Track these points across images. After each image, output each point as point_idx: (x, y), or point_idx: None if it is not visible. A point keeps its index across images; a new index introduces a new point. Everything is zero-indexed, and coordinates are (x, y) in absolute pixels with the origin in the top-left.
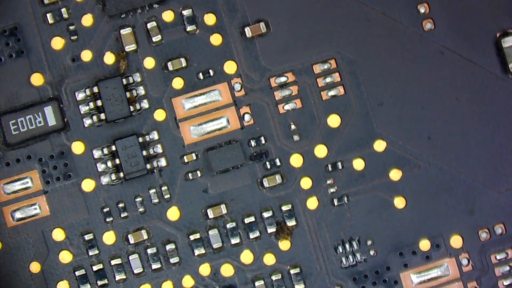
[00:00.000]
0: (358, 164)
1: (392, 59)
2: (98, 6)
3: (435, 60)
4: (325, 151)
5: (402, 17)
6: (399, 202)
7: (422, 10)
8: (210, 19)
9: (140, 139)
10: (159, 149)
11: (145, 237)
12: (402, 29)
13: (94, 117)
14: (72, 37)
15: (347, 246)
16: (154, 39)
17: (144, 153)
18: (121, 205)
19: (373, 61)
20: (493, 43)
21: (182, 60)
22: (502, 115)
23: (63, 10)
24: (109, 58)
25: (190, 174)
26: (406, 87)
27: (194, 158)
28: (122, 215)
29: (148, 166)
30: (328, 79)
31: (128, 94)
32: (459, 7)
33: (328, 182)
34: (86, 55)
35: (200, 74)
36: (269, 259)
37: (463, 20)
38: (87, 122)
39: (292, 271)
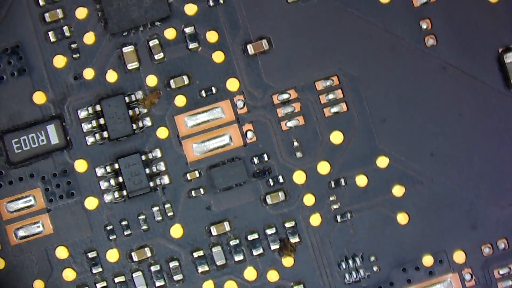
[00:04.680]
0: (361, 180)
1: (394, 75)
2: (100, 24)
3: (437, 76)
4: (328, 167)
5: (404, 33)
6: (402, 218)
7: (424, 26)
8: (212, 36)
9: (143, 157)
10: (162, 166)
11: (149, 254)
12: (404, 45)
13: (97, 135)
14: (74, 55)
15: (350, 262)
16: (156, 57)
17: (147, 171)
18: (124, 222)
19: (376, 77)
20: (495, 58)
21: (185, 77)
22: (504, 131)
23: (65, 28)
24: (112, 76)
25: (193, 192)
26: (409, 103)
27: (197, 175)
28: (126, 233)
29: (151, 184)
30: (331, 96)
31: (130, 112)
32: (461, 23)
33: (331, 198)
34: (89, 73)
35: (203, 91)
36: (273, 275)
37: (465, 35)
38: (90, 140)
39: None
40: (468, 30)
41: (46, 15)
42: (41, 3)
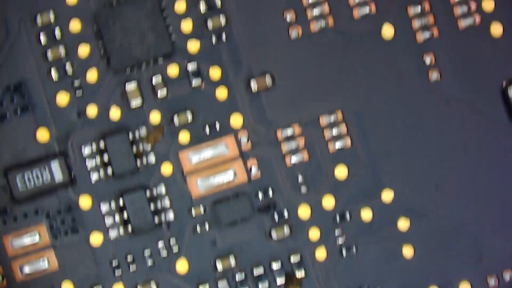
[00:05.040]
0: (366, 214)
1: (398, 109)
2: (102, 61)
3: (441, 109)
4: (333, 202)
5: (408, 68)
6: (408, 251)
7: (428, 61)
8: (215, 72)
9: (148, 193)
10: (167, 203)
11: None
12: (408, 80)
13: (101, 172)
14: (77, 92)
15: None
16: (160, 93)
17: (152, 207)
18: (129, 258)
19: (380, 112)
20: (499, 91)
21: (188, 114)
22: (509, 163)
23: (67, 65)
24: (115, 113)
25: (198, 227)
26: (413, 136)
27: (202, 211)
28: (131, 268)
29: (156, 220)
30: (335, 131)
31: (134, 149)
32: (465, 57)
33: (337, 232)
34: (92, 110)
35: (207, 127)
36: None
37: (469, 69)
38: (94, 176)
39: None
40: (471, 63)
41: (48, 52)
42: (43, 40)
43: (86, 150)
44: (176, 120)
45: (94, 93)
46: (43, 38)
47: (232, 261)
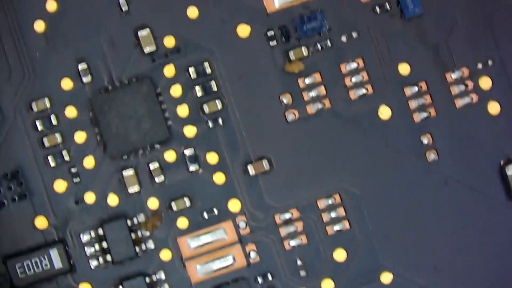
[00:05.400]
0: None
1: (396, 191)
2: (99, 147)
3: (439, 190)
4: (332, 285)
5: (405, 149)
6: None
7: (425, 141)
8: (212, 158)
9: (147, 280)
10: None
11: None
12: (405, 161)
13: (100, 259)
14: (74, 180)
15: None
16: (157, 179)
17: None
18: None
19: (378, 194)
20: (497, 170)
21: (186, 199)
22: (508, 242)
23: (64, 152)
24: (113, 200)
25: None
26: (411, 218)
27: None
28: None
29: None
30: (333, 214)
31: (133, 235)
32: (462, 136)
33: None
34: (90, 197)
35: (205, 213)
36: None
37: (466, 148)
38: (93, 263)
39: None
40: (469, 142)
41: (45, 139)
42: (39, 127)
43: (85, 237)
44: (174, 206)
45: (91, 179)
46: (39, 125)
47: None
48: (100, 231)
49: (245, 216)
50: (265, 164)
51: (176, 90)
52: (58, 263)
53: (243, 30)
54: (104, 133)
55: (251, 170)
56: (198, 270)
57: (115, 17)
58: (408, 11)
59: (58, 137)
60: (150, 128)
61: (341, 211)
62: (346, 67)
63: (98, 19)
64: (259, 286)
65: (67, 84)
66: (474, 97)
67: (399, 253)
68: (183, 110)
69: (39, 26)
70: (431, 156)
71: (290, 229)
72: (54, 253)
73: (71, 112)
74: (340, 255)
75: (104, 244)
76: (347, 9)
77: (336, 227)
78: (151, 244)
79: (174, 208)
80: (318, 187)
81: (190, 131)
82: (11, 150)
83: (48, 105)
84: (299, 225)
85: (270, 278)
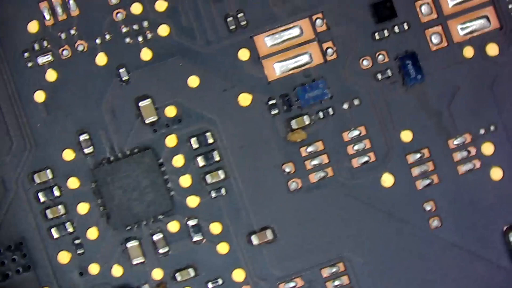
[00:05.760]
0: None
1: (400, 258)
2: (102, 218)
3: (443, 256)
4: None
5: (408, 216)
6: None
7: (428, 208)
8: (216, 228)
9: None
10: None
11: None
12: (409, 228)
13: None
14: (78, 251)
15: None
16: (161, 250)
17: None
18: None
19: (381, 262)
20: (500, 236)
21: (190, 270)
22: None
23: (67, 224)
24: (117, 271)
25: None
26: (415, 285)
27: None
28: None
29: None
30: (337, 283)
31: None
32: (465, 202)
33: None
34: (94, 269)
35: (210, 283)
36: None
37: (469, 215)
38: None
39: None
40: (472, 209)
41: (48, 211)
42: (42, 199)
43: None
44: (178, 276)
45: (95, 251)
46: (41, 197)
47: None
48: None
49: (250, 285)
50: (268, 234)
51: (178, 161)
52: None
53: (245, 99)
54: (107, 204)
55: (255, 240)
56: None
57: (116, 87)
58: (410, 78)
59: (61, 209)
60: (153, 199)
61: (345, 280)
62: (348, 135)
63: (99, 89)
64: None
65: (68, 155)
66: (477, 163)
67: None
68: (185, 181)
69: (39, 96)
70: (435, 223)
71: None
72: None
73: (73, 183)
74: None
75: None
76: (349, 77)
77: None
78: None
79: (179, 278)
80: (322, 255)
81: (193, 201)
82: (14, 222)
83: (50, 176)
84: None
85: None
